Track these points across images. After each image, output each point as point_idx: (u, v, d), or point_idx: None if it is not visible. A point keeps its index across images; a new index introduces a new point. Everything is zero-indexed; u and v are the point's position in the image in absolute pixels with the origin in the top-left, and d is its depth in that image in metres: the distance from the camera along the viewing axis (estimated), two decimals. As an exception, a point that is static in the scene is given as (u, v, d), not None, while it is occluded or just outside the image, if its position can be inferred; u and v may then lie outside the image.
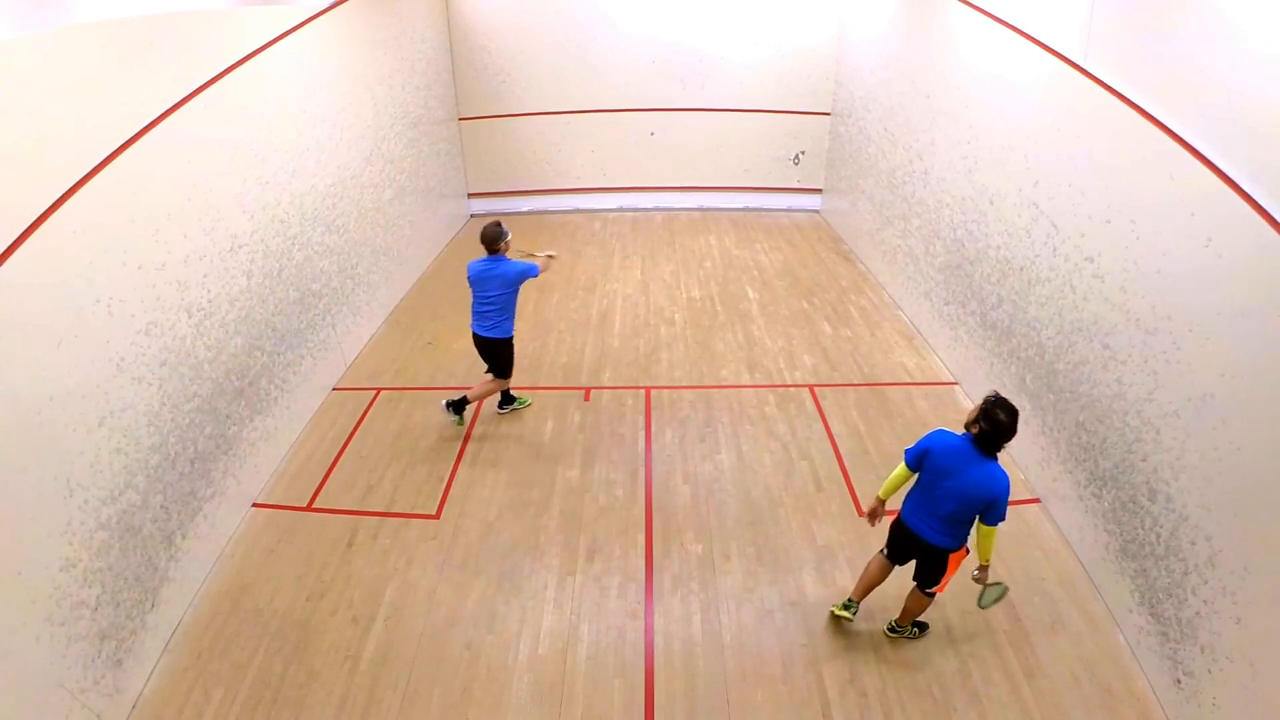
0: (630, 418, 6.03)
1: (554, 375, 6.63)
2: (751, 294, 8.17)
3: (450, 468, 5.47)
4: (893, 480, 3.81)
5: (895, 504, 3.94)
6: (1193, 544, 3.52)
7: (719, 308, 7.88)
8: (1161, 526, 3.76)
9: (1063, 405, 4.73)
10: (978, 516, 3.55)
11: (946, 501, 3.56)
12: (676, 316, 7.71)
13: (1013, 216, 5.37)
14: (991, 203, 5.71)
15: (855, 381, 6.50)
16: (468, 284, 5.57)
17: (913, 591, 3.91)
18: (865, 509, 4.13)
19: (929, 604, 3.92)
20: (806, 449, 5.60)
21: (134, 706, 3.75)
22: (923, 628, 4.11)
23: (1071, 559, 4.55)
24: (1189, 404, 3.56)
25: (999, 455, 3.49)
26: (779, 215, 10.67)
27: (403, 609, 4.30)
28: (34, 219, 3.29)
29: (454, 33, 9.76)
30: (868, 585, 4.06)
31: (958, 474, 3.51)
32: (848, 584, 4.39)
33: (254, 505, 5.12)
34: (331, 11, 6.33)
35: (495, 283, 5.43)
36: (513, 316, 5.61)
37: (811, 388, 6.40)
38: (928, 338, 7.08)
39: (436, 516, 5.01)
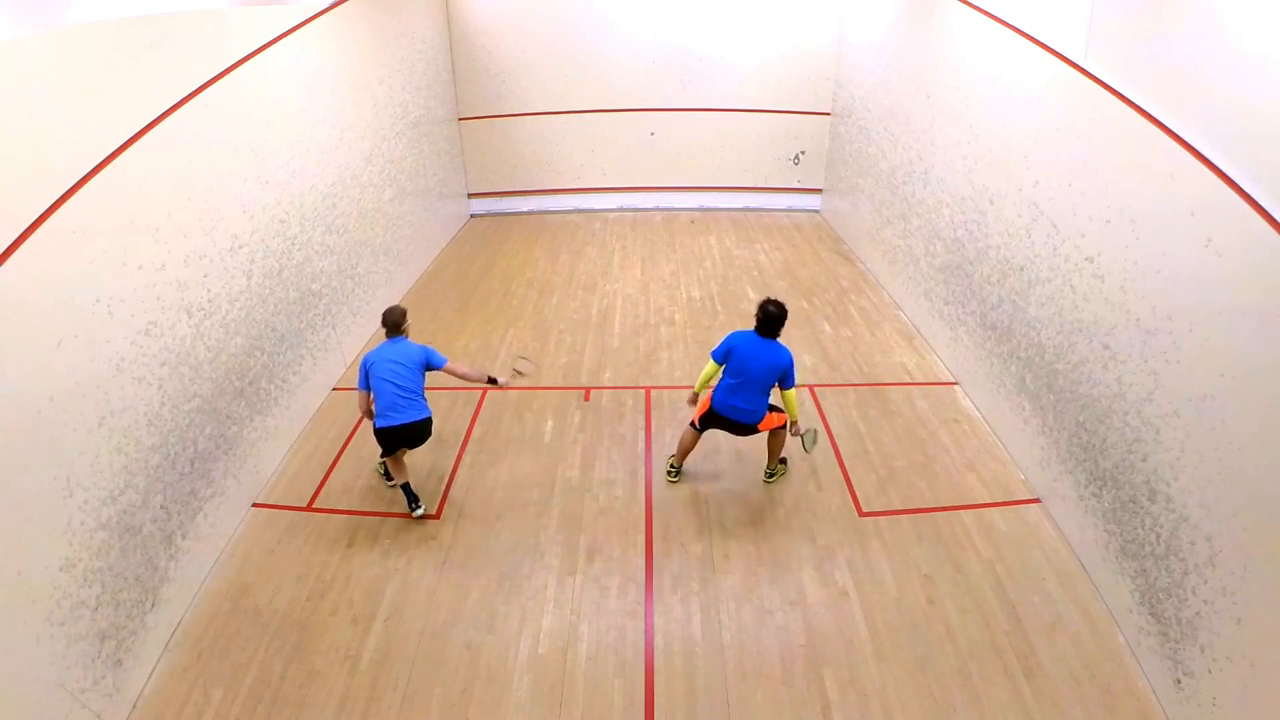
0: (630, 418, 6.03)
1: (554, 375, 6.63)
2: (751, 294, 8.17)
3: (450, 468, 5.46)
4: (705, 376, 4.88)
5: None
6: (1193, 544, 3.52)
7: (719, 308, 7.88)
8: (1161, 526, 3.76)
9: (1063, 405, 4.73)
10: (777, 384, 4.72)
11: (751, 380, 4.67)
12: (676, 316, 7.71)
13: (1013, 216, 5.37)
14: (991, 203, 5.71)
15: (855, 381, 6.50)
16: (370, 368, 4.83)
17: (768, 436, 5.06)
18: (689, 399, 5.09)
19: (783, 441, 5.06)
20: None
21: (134, 706, 3.75)
22: (782, 461, 5.27)
23: (1071, 559, 4.55)
24: (1189, 404, 3.56)
25: (779, 337, 4.69)
26: (779, 215, 10.68)
27: (403, 609, 4.30)
28: (34, 219, 3.29)
29: (454, 33, 9.76)
30: (684, 451, 5.20)
31: (756, 357, 4.66)
32: (848, 584, 4.40)
33: (254, 505, 5.12)
34: (331, 11, 6.33)
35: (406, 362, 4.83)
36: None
37: (811, 388, 6.40)
38: (927, 338, 7.08)
39: (436, 516, 5.01)
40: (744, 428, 4.89)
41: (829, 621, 4.17)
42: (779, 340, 4.72)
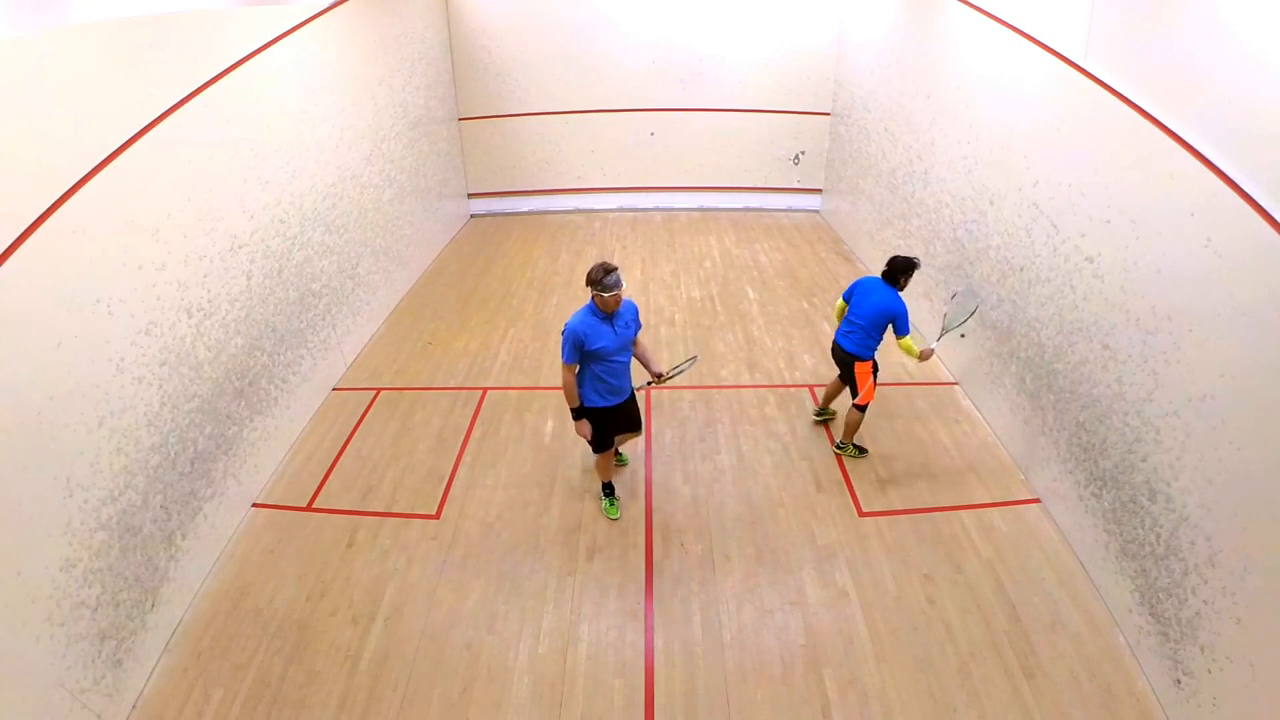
0: (630, 418, 6.02)
1: (554, 375, 6.62)
2: (751, 294, 8.17)
3: (450, 468, 5.47)
4: (835, 311, 5.40)
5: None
6: (1193, 544, 3.52)
7: (719, 308, 7.88)
8: (1161, 526, 3.76)
9: (1063, 405, 4.73)
10: (890, 329, 5.04)
11: (860, 316, 5.09)
12: (676, 316, 7.71)
13: (1013, 216, 5.37)
14: (991, 203, 5.71)
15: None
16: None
17: (849, 408, 5.33)
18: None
19: (860, 418, 5.30)
20: (806, 449, 5.60)
21: (134, 707, 3.75)
22: (862, 451, 5.49)
23: (1071, 559, 4.55)
24: (1189, 404, 3.56)
25: (902, 290, 5.05)
26: (779, 215, 10.68)
27: (403, 609, 4.30)
28: (34, 219, 3.29)
29: (454, 33, 9.76)
30: (830, 394, 5.74)
31: (868, 296, 5.08)
32: (848, 584, 4.40)
33: (254, 505, 5.12)
34: (331, 11, 6.33)
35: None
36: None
37: (811, 388, 6.39)
38: (927, 338, 7.07)
39: (436, 516, 5.01)
40: (844, 360, 5.25)
41: (829, 621, 4.17)
42: (899, 291, 5.03)
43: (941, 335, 5.30)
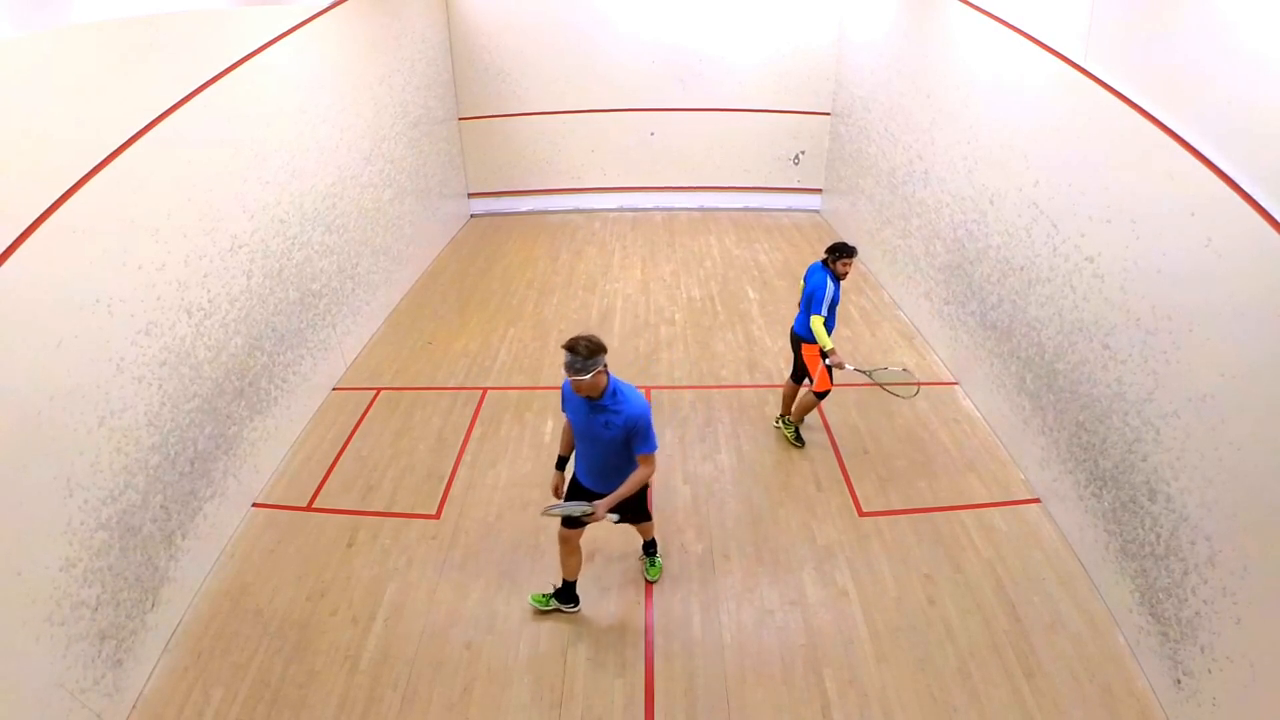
0: (630, 418, 6.02)
1: (554, 375, 6.63)
2: (751, 294, 8.18)
3: (450, 468, 5.46)
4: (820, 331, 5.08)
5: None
6: (1193, 544, 3.52)
7: (719, 308, 7.88)
8: (1161, 526, 3.76)
9: (1063, 405, 4.74)
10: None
11: (802, 299, 5.25)
12: (676, 316, 7.71)
13: (1013, 216, 5.37)
14: (991, 203, 5.71)
15: (855, 381, 6.49)
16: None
17: (805, 391, 5.46)
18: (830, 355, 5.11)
19: (814, 404, 5.43)
20: (806, 449, 5.60)
21: (134, 706, 3.75)
22: (799, 440, 5.61)
23: (1071, 559, 4.55)
24: (1189, 404, 3.56)
25: (840, 271, 5.09)
26: (779, 215, 10.68)
27: (403, 609, 4.30)
28: (34, 219, 3.29)
29: (454, 33, 9.76)
30: (786, 397, 5.72)
31: (806, 278, 5.26)
32: (848, 584, 4.40)
33: (254, 505, 5.12)
34: (331, 11, 6.33)
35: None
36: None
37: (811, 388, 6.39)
38: (927, 338, 7.08)
39: (436, 516, 5.01)
40: (794, 342, 5.42)
41: (829, 621, 4.17)
42: (836, 277, 5.09)
43: (865, 370, 5.22)
